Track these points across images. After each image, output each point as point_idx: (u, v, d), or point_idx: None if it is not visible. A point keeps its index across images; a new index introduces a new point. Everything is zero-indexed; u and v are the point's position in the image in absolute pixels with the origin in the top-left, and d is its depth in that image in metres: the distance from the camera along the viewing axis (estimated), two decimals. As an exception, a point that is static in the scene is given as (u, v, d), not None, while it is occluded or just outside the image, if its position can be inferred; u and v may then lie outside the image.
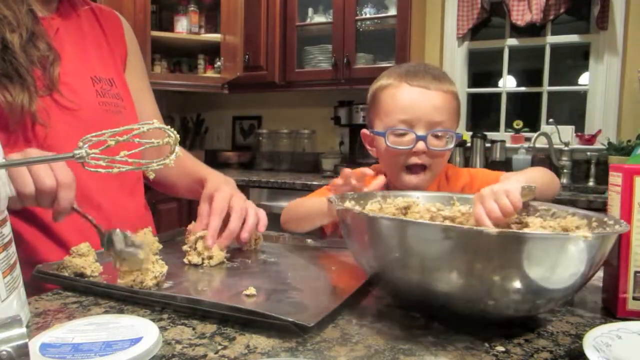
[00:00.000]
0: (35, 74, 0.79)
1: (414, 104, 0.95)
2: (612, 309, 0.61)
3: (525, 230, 0.66)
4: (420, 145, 0.94)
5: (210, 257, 0.76)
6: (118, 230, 0.66)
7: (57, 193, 0.64)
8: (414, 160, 0.96)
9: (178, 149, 0.61)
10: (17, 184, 0.62)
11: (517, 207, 0.66)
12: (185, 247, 0.80)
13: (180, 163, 0.93)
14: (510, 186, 0.67)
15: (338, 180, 0.82)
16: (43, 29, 0.83)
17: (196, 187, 0.96)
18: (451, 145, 0.98)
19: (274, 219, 1.02)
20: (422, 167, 0.98)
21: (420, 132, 0.94)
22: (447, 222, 0.69)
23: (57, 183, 0.64)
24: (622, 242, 0.59)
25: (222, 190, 0.85)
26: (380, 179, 0.83)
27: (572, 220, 0.64)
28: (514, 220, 0.70)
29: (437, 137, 0.96)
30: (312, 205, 0.99)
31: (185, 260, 0.77)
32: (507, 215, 0.65)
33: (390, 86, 0.99)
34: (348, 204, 0.70)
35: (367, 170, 0.81)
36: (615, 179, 0.61)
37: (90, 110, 0.86)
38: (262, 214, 0.86)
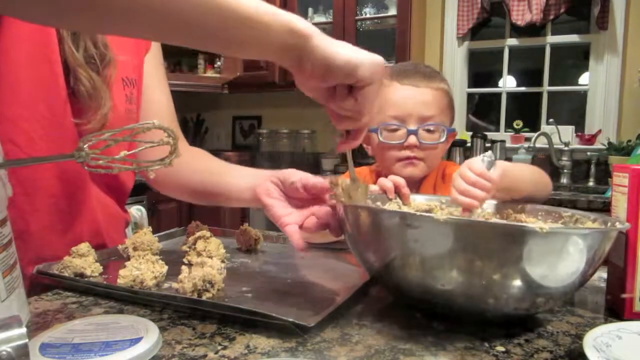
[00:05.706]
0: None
1: (404, 100, 0.99)
2: (618, 311, 0.60)
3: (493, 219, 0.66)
4: (412, 139, 0.97)
5: (210, 257, 0.76)
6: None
7: None
8: (407, 153, 0.98)
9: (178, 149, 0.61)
10: None
11: (482, 175, 0.64)
12: (185, 247, 0.80)
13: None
14: (470, 160, 0.67)
15: (374, 187, 0.77)
16: None
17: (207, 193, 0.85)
18: (444, 139, 1.00)
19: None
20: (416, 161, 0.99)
21: (412, 127, 0.97)
22: None
23: None
24: (629, 243, 0.58)
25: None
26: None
27: (590, 225, 0.63)
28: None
29: (429, 131, 0.98)
30: None
31: (185, 260, 0.77)
32: (474, 185, 0.64)
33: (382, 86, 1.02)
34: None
35: (403, 185, 0.76)
36: (620, 179, 0.60)
37: (120, 122, 0.76)
38: None
